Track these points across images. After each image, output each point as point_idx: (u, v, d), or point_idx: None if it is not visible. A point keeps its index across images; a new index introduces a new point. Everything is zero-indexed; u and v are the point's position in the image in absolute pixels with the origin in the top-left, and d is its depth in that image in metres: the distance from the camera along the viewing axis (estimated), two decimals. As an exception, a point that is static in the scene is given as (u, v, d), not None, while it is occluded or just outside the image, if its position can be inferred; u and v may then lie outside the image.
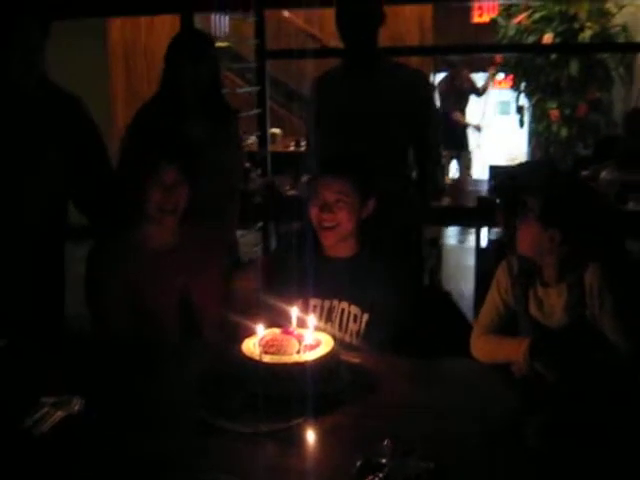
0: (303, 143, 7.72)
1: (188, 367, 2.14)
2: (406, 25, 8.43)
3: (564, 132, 8.14)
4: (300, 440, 1.74)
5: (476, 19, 9.90)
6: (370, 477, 1.41)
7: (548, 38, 7.88)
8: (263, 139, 5.61)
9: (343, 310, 2.37)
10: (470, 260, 6.30)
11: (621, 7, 7.85)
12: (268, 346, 1.92)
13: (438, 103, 7.19)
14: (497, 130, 12.43)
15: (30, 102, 2.55)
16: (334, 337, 2.04)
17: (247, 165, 4.71)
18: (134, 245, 2.48)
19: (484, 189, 5.51)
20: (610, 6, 7.89)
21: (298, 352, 1.91)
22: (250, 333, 2.00)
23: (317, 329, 2.04)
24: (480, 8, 9.56)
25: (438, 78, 8.80)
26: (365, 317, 2.35)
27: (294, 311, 2.05)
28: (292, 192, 5.20)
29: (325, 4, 3.01)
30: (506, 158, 11.07)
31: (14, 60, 2.44)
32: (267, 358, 1.87)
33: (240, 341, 1.99)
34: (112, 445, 1.69)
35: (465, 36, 9.44)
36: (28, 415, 1.72)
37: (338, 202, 2.36)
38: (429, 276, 4.51)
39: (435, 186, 3.31)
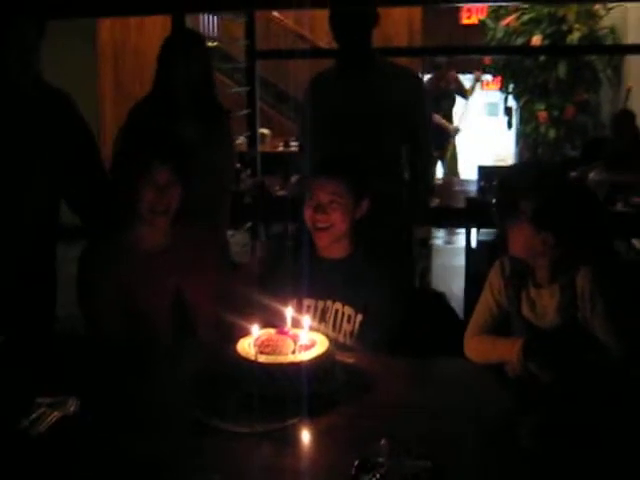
0: (292, 143, 7.75)
1: (182, 368, 2.14)
2: (395, 27, 8.44)
3: (552, 133, 8.17)
4: (295, 440, 1.74)
5: (465, 21, 9.95)
6: (368, 476, 1.41)
7: (537, 40, 7.91)
8: (253, 139, 5.62)
9: (337, 310, 2.37)
10: (458, 260, 6.33)
11: (609, 9, 7.89)
12: (263, 346, 1.92)
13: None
14: (484, 131, 12.49)
15: (25, 101, 2.54)
16: (328, 337, 2.05)
17: (237, 165, 4.70)
18: (126, 246, 2.47)
19: (473, 190, 5.53)
20: (598, 8, 7.94)
21: (293, 352, 1.91)
22: (245, 333, 2.00)
23: (312, 329, 2.05)
24: (469, 10, 9.61)
25: (425, 80, 8.82)
26: (359, 317, 2.35)
27: (289, 311, 2.05)
28: (282, 192, 5.20)
29: (318, 5, 3.01)
30: (494, 159, 11.12)
31: (10, 60, 2.44)
32: (262, 358, 1.87)
33: (235, 341, 1.99)
34: (108, 446, 1.69)
35: (454, 37, 9.47)
36: (24, 415, 1.71)
37: (332, 203, 2.37)
38: (419, 277, 4.53)
39: (426, 186, 3.33)
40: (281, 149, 7.67)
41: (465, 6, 9.39)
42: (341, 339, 2.34)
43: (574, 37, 7.90)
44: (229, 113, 3.26)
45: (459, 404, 1.90)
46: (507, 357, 2.04)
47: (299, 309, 2.30)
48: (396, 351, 2.26)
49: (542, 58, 8.10)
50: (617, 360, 1.99)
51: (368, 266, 2.41)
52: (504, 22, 8.28)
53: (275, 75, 8.63)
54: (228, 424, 1.74)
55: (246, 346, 1.94)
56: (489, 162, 9.11)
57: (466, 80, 8.70)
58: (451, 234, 7.81)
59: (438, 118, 8.21)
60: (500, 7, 8.30)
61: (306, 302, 2.39)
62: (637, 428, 1.74)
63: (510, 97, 8.71)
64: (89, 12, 3.54)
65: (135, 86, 8.40)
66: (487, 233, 5.06)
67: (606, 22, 8.10)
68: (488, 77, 10.43)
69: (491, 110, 13.23)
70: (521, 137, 8.91)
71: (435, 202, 4.72)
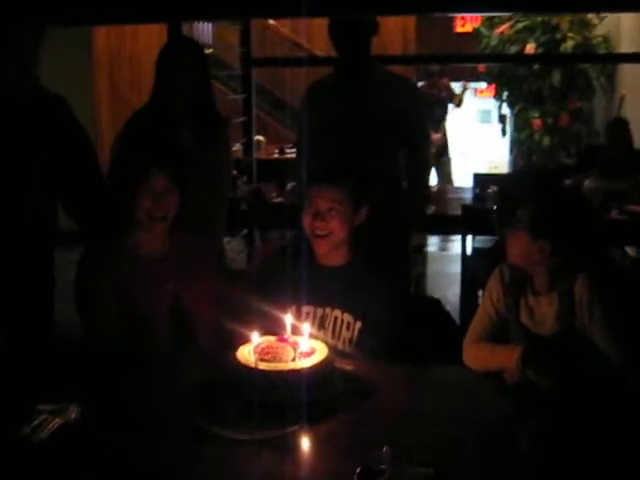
0: (288, 150, 7.76)
1: (183, 374, 2.14)
2: (389, 35, 8.46)
3: (546, 141, 8.20)
4: (295, 447, 1.74)
5: (459, 29, 9.98)
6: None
7: (530, 48, 7.95)
8: (248, 146, 5.62)
9: (336, 318, 2.38)
10: (453, 267, 6.33)
11: (602, 18, 7.94)
12: (263, 353, 1.92)
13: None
14: (478, 138, 12.53)
15: (23, 106, 2.55)
16: (328, 344, 2.05)
17: (234, 172, 4.70)
18: (125, 252, 2.47)
19: (468, 197, 5.54)
20: (592, 17, 7.98)
21: (293, 360, 1.91)
22: (245, 340, 2.00)
23: (311, 336, 2.05)
24: (463, 18, 9.65)
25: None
26: (358, 325, 2.35)
27: (288, 318, 2.05)
28: (278, 199, 5.20)
29: (316, 14, 3.02)
30: (488, 166, 11.16)
31: (9, 64, 2.44)
32: (263, 365, 1.87)
33: (235, 348, 1.99)
34: (108, 452, 1.69)
35: (448, 45, 9.49)
36: (26, 422, 1.71)
37: (331, 210, 2.37)
38: (414, 283, 4.54)
39: (422, 193, 3.34)
40: (276, 156, 7.67)
41: (459, 14, 9.41)
42: (340, 346, 2.34)
43: (568, 45, 7.94)
44: (227, 121, 3.26)
45: (459, 410, 1.90)
46: (506, 364, 2.05)
47: (298, 316, 2.31)
48: (395, 358, 2.27)
49: (536, 66, 8.13)
50: (616, 367, 1.99)
51: (367, 273, 2.41)
52: (498, 30, 8.31)
53: (270, 82, 8.65)
54: (228, 431, 1.74)
55: (246, 353, 1.94)
56: (483, 169, 9.15)
57: (459, 88, 8.74)
58: (445, 241, 7.82)
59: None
60: (494, 15, 8.33)
61: (305, 309, 2.40)
62: (635, 434, 1.75)
63: (504, 105, 8.74)
64: (86, 20, 3.54)
65: (130, 93, 8.43)
66: (482, 240, 5.07)
67: (599, 31, 8.15)
68: (482, 85, 10.48)
69: (484, 117, 13.27)
70: (515, 144, 8.95)
71: (431, 209, 4.73)
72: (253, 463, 1.68)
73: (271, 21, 8.29)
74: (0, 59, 2.43)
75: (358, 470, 1.47)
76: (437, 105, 8.41)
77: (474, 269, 4.55)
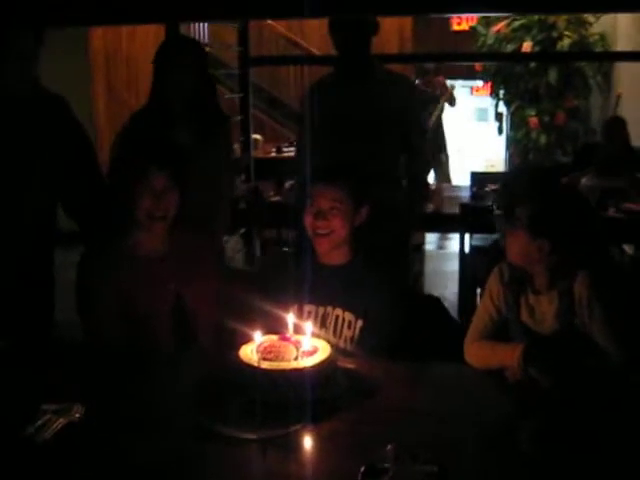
0: (285, 149, 7.76)
1: (185, 374, 2.14)
2: (386, 34, 8.46)
3: (543, 139, 8.21)
4: (298, 446, 1.74)
5: (455, 27, 9.99)
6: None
7: (527, 46, 7.95)
8: (246, 145, 5.62)
9: (337, 316, 2.38)
10: (450, 266, 6.35)
11: (599, 16, 7.94)
12: (266, 352, 1.92)
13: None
14: (475, 137, 12.54)
15: (23, 106, 2.55)
16: (330, 343, 2.06)
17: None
18: (126, 252, 2.47)
19: (465, 195, 5.55)
20: (588, 16, 7.98)
21: (296, 359, 1.91)
22: (247, 340, 2.01)
23: (313, 335, 2.05)
24: (459, 16, 9.63)
25: (413, 85, 8.86)
26: (359, 323, 2.36)
27: (290, 318, 2.06)
28: (276, 198, 5.22)
29: (316, 15, 3.02)
30: (484, 164, 11.18)
31: (9, 65, 2.44)
32: (265, 364, 1.87)
33: (237, 348, 2.00)
34: (112, 452, 1.69)
35: (445, 44, 9.50)
36: (30, 422, 1.71)
37: (332, 209, 2.38)
38: (412, 282, 4.54)
39: (422, 191, 3.35)
40: (274, 155, 7.68)
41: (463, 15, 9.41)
42: (342, 345, 2.35)
43: (564, 44, 7.95)
44: (229, 118, 3.24)
45: (460, 409, 1.91)
46: (507, 362, 2.05)
47: (300, 315, 2.31)
48: (396, 356, 2.27)
49: (533, 64, 8.13)
50: (616, 365, 2.00)
51: (368, 272, 2.42)
52: (495, 29, 8.31)
53: (266, 80, 8.65)
54: (231, 430, 1.75)
55: (249, 352, 1.94)
56: (479, 168, 9.16)
57: (458, 86, 8.75)
58: (442, 239, 7.83)
59: None
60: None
61: (307, 308, 2.40)
62: (636, 433, 1.75)
63: (501, 103, 8.74)
64: (84, 21, 3.54)
65: (127, 93, 8.43)
66: (480, 238, 5.08)
67: (596, 29, 8.16)
68: (478, 83, 10.49)
69: (481, 116, 13.28)
70: (512, 143, 8.95)
71: (429, 208, 4.74)
72: (257, 462, 1.69)
73: (268, 20, 8.28)
74: (0, 60, 2.43)
75: (362, 469, 1.47)
76: (431, 103, 8.43)
77: (472, 267, 4.56)
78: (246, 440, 1.72)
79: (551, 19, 7.95)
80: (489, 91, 9.02)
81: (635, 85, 7.48)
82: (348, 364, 2.11)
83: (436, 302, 2.62)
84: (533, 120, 8.22)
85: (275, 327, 2.10)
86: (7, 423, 1.78)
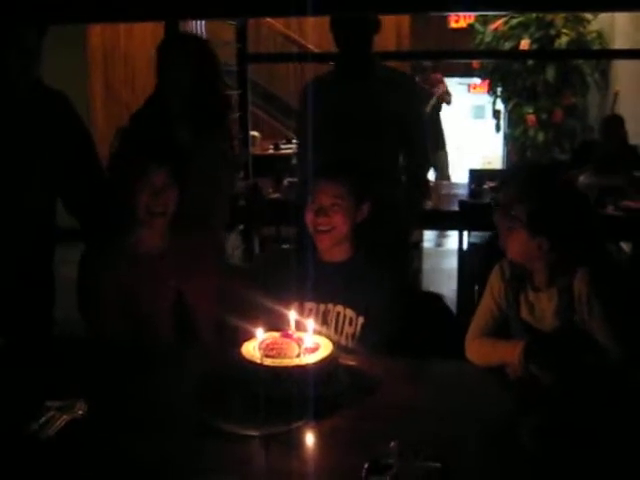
0: (283, 146, 7.76)
1: (188, 370, 2.14)
2: (383, 31, 8.43)
3: (541, 137, 8.22)
4: (301, 443, 1.75)
5: (453, 24, 10.00)
6: (378, 478, 1.43)
7: (525, 44, 7.96)
8: (244, 142, 5.61)
9: (338, 313, 2.39)
10: (448, 263, 6.36)
11: (596, 14, 7.95)
12: (268, 349, 1.92)
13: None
14: (471, 134, 12.55)
15: (25, 103, 2.55)
16: (332, 340, 2.06)
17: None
18: (126, 249, 2.48)
19: (463, 192, 5.56)
20: (586, 13, 7.99)
21: (298, 355, 1.92)
22: (249, 336, 2.01)
23: (315, 332, 2.06)
24: (457, 14, 9.63)
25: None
26: (360, 320, 2.36)
27: (292, 314, 2.06)
28: (275, 195, 5.21)
29: (320, 13, 3.02)
30: (481, 161, 11.19)
31: (10, 62, 2.44)
32: (268, 361, 1.87)
33: (239, 344, 2.00)
34: (115, 448, 1.69)
35: (442, 41, 9.51)
36: (34, 419, 1.71)
37: (334, 206, 2.39)
38: (410, 279, 4.55)
39: (422, 189, 3.35)
40: (271, 152, 7.68)
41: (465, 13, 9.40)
42: (343, 342, 2.35)
43: (562, 41, 7.96)
44: (228, 113, 3.22)
45: (462, 405, 1.91)
46: (508, 359, 2.06)
47: (301, 312, 2.31)
48: (397, 353, 2.28)
49: (530, 62, 8.15)
50: (616, 361, 2.01)
51: (369, 269, 2.42)
52: (493, 26, 8.32)
53: (263, 77, 8.64)
54: (234, 427, 1.75)
55: (251, 349, 1.95)
56: (477, 165, 9.18)
57: (455, 84, 8.76)
58: (440, 236, 7.85)
59: None
60: (489, 12, 8.34)
61: (308, 305, 2.41)
62: (635, 429, 1.76)
63: (498, 100, 8.75)
64: (83, 18, 3.53)
65: (125, 91, 8.42)
66: (476, 236, 5.09)
67: (594, 27, 8.17)
68: (476, 80, 10.49)
69: (478, 113, 13.29)
70: (509, 140, 8.96)
71: (428, 205, 4.75)
72: (259, 458, 1.69)
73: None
74: (3, 58, 2.43)
75: (366, 465, 1.47)
76: (428, 100, 8.43)
77: (470, 264, 4.57)
78: (248, 437, 1.72)
79: (549, 17, 7.96)
80: (486, 88, 9.03)
81: (633, 83, 7.49)
82: (349, 361, 2.12)
83: (437, 299, 2.63)
84: (531, 118, 8.23)
85: (276, 324, 2.11)
86: (11, 420, 1.78)
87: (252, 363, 1.89)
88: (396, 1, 2.19)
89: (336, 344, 2.08)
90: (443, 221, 5.21)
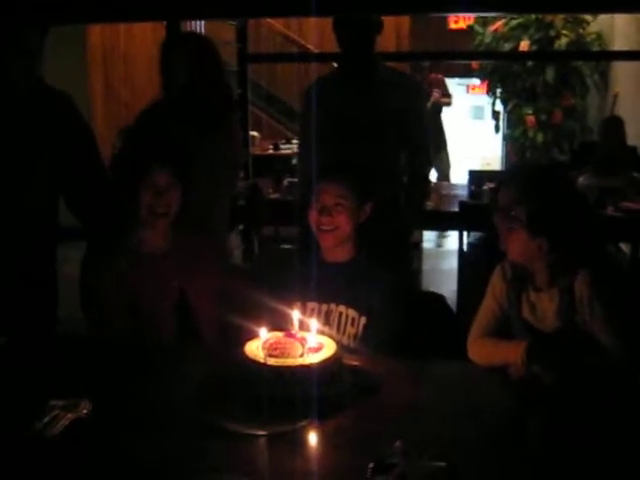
0: (282, 146, 7.76)
1: (191, 370, 2.14)
2: (383, 33, 8.44)
3: (540, 138, 8.22)
4: (305, 442, 1.75)
5: (452, 25, 10.00)
6: (383, 478, 1.43)
7: (524, 45, 7.96)
8: (244, 142, 5.61)
9: (341, 313, 2.39)
10: (447, 264, 6.36)
11: (596, 15, 7.95)
12: (272, 349, 1.93)
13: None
14: (470, 134, 12.56)
15: (29, 104, 2.55)
16: (335, 340, 2.06)
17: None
18: (129, 249, 2.48)
19: (463, 193, 5.56)
20: (585, 14, 8.00)
21: (302, 355, 1.92)
22: (252, 336, 2.02)
23: (318, 332, 2.06)
24: (456, 15, 9.63)
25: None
26: (363, 320, 2.37)
27: (295, 314, 2.06)
28: (274, 195, 5.22)
29: (324, 14, 3.02)
30: (480, 162, 11.19)
31: (14, 63, 2.44)
32: (272, 361, 1.88)
33: (242, 344, 2.00)
34: (119, 448, 1.69)
35: (442, 42, 9.50)
36: (38, 418, 1.71)
37: (337, 206, 2.40)
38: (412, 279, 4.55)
39: (423, 190, 3.36)
40: (271, 152, 7.68)
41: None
42: (345, 342, 2.36)
43: (562, 43, 7.96)
44: (232, 114, 3.22)
45: (464, 405, 1.92)
46: (511, 359, 2.06)
47: (303, 312, 2.31)
48: (399, 353, 2.28)
49: (530, 63, 8.15)
50: (619, 362, 2.01)
51: (371, 269, 2.43)
52: (492, 27, 8.32)
53: (263, 77, 8.65)
54: (238, 426, 1.75)
55: (254, 349, 1.95)
56: (476, 166, 9.18)
57: (454, 85, 8.75)
58: (440, 237, 7.85)
59: None
60: (488, 13, 8.34)
61: (310, 305, 2.41)
62: (637, 428, 1.77)
63: (497, 101, 8.75)
64: (84, 19, 3.54)
65: (125, 90, 8.41)
66: (475, 236, 5.10)
67: (593, 28, 8.17)
68: (475, 81, 10.49)
69: (477, 113, 13.30)
70: (509, 141, 8.97)
71: (429, 205, 4.76)
72: (263, 458, 1.70)
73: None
74: (5, 58, 2.44)
75: (371, 465, 1.48)
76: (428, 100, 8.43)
77: (471, 265, 4.58)
78: (252, 436, 1.73)
79: (548, 18, 7.96)
80: (485, 89, 9.03)
81: (632, 84, 7.50)
82: (352, 361, 2.12)
83: (438, 299, 2.64)
84: (530, 118, 8.23)
85: (279, 324, 2.11)
86: (15, 419, 1.78)
87: (255, 363, 1.89)
88: (398, 2, 2.20)
89: (340, 344, 2.08)
90: (443, 222, 5.22)
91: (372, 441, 1.66)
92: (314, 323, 2.04)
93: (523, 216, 2.06)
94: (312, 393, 1.83)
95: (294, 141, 7.67)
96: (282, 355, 1.92)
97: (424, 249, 6.48)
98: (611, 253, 2.61)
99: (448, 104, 8.77)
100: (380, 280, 2.41)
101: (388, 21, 8.48)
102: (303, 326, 2.05)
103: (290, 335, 2.01)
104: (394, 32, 8.96)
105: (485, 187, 5.19)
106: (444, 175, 8.38)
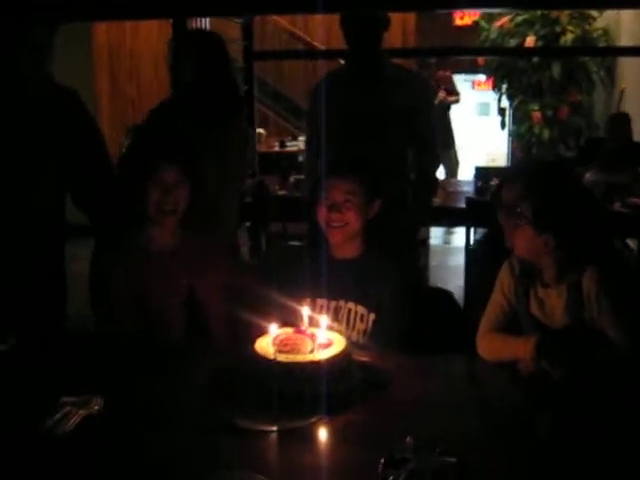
0: (288, 143, 7.77)
1: (202, 367, 2.15)
2: (389, 29, 8.44)
3: (546, 134, 8.21)
4: (315, 438, 1.76)
5: (458, 22, 9.99)
6: (395, 473, 1.44)
7: (530, 41, 7.95)
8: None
9: (350, 310, 2.40)
10: (454, 260, 6.37)
11: (602, 11, 7.94)
12: (282, 345, 1.93)
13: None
14: (476, 131, 12.54)
15: (37, 101, 2.56)
16: (344, 336, 2.07)
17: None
18: (138, 246, 2.49)
19: (470, 190, 5.57)
20: (591, 10, 7.98)
21: (312, 351, 1.92)
22: (261, 332, 2.02)
23: (328, 328, 2.06)
24: (462, 11, 9.62)
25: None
26: (372, 316, 2.38)
27: (305, 311, 2.07)
28: (281, 192, 5.23)
29: (331, 11, 3.03)
30: (486, 158, 11.17)
31: (23, 60, 2.45)
32: (282, 357, 1.88)
33: (251, 340, 2.01)
34: (131, 444, 1.70)
35: (447, 38, 9.50)
36: (49, 415, 1.72)
37: (346, 202, 2.40)
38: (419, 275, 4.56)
39: (431, 186, 3.37)
40: (277, 149, 7.68)
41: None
42: (354, 338, 2.36)
43: (567, 38, 7.95)
44: (241, 112, 3.22)
45: (474, 400, 1.93)
46: (520, 355, 2.06)
47: (312, 309, 2.32)
48: (408, 349, 2.29)
49: (536, 59, 8.14)
50: (627, 357, 2.01)
51: (380, 266, 2.44)
52: (498, 23, 8.31)
53: (269, 74, 8.65)
54: (248, 422, 1.76)
55: (264, 345, 1.95)
56: (482, 162, 9.16)
57: (460, 81, 8.73)
58: (447, 234, 7.85)
59: None
60: (494, 9, 8.32)
61: (319, 302, 2.42)
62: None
63: (503, 97, 8.74)
64: (92, 16, 3.55)
65: (130, 87, 8.43)
66: (481, 233, 5.11)
67: (599, 24, 8.16)
68: (481, 77, 10.48)
69: (483, 110, 13.28)
70: (514, 137, 8.95)
71: (436, 202, 4.76)
72: (273, 454, 1.70)
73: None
74: (15, 56, 2.44)
75: (382, 460, 1.48)
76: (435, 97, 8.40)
77: (477, 261, 4.58)
78: (262, 432, 1.73)
79: (554, 14, 7.95)
80: (491, 85, 9.02)
81: (638, 80, 7.48)
82: (361, 357, 2.12)
83: (447, 295, 2.64)
84: (536, 115, 8.22)
85: (288, 320, 2.11)
86: (27, 416, 1.79)
87: (265, 359, 1.90)
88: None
89: (349, 340, 2.09)
90: (450, 218, 5.22)
91: (382, 437, 1.67)
92: (324, 319, 2.05)
93: (529, 212, 2.06)
94: (322, 389, 1.83)
95: (300, 138, 7.68)
96: (292, 351, 1.92)
97: (431, 245, 6.49)
98: (618, 249, 2.60)
99: (456, 102, 8.73)
100: (389, 276, 2.41)
101: (394, 17, 8.45)
102: (313, 322, 2.05)
103: (300, 331, 2.01)
104: (400, 29, 8.96)
105: (492, 183, 5.19)
106: (452, 173, 8.35)
